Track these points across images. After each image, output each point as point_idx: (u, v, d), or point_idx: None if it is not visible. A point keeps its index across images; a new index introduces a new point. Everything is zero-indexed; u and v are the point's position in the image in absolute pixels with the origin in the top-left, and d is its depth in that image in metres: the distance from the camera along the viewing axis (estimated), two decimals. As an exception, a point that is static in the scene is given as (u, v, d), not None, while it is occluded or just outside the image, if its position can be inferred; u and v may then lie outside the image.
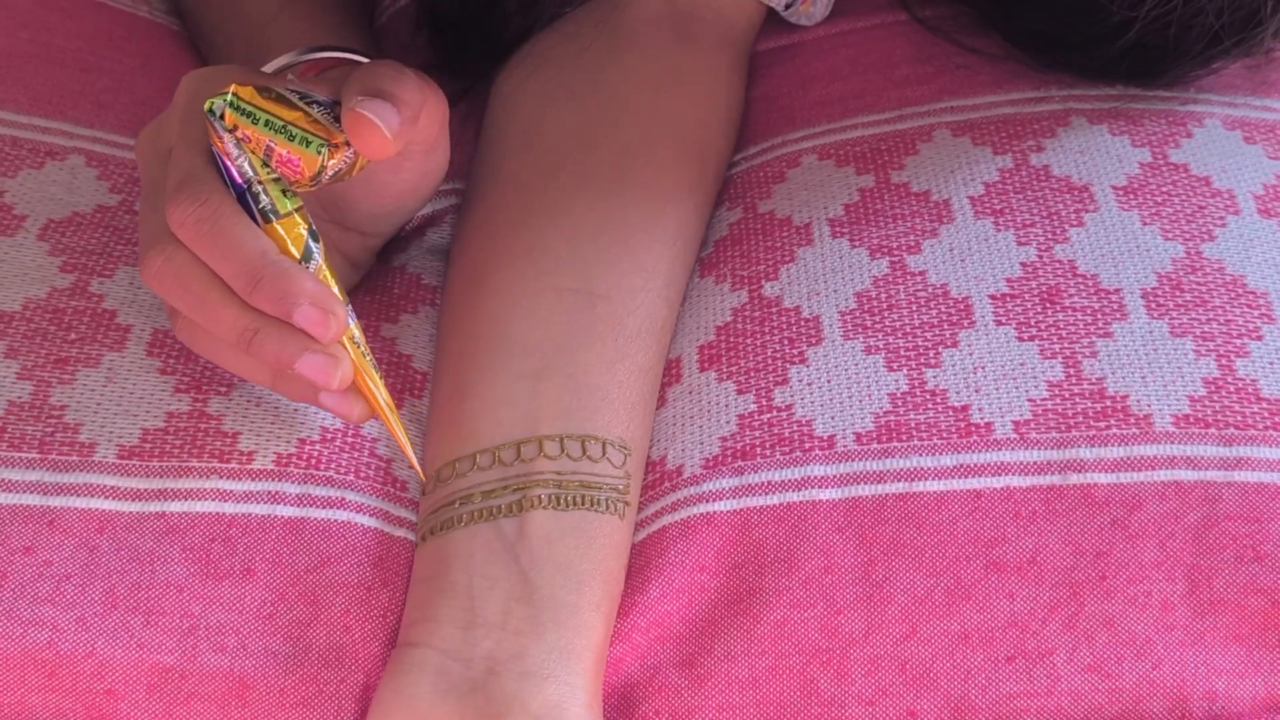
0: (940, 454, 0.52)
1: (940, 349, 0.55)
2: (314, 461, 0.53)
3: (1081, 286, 0.56)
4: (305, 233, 0.49)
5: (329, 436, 0.54)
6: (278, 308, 0.48)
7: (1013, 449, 0.52)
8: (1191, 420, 0.52)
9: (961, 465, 0.52)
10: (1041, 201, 0.59)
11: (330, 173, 0.49)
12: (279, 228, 0.49)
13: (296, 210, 0.49)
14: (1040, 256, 0.57)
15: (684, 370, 0.57)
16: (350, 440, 0.54)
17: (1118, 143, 0.60)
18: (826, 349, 0.55)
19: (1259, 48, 0.60)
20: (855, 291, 0.57)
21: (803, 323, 0.56)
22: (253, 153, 0.48)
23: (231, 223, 0.48)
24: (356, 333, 0.50)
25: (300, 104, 0.49)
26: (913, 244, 0.58)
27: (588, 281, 0.55)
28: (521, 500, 0.51)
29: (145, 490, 0.52)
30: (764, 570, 0.51)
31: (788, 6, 0.66)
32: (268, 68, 0.56)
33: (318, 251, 0.49)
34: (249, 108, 0.48)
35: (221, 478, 0.52)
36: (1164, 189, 0.59)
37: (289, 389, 0.51)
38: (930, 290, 0.56)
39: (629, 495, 0.52)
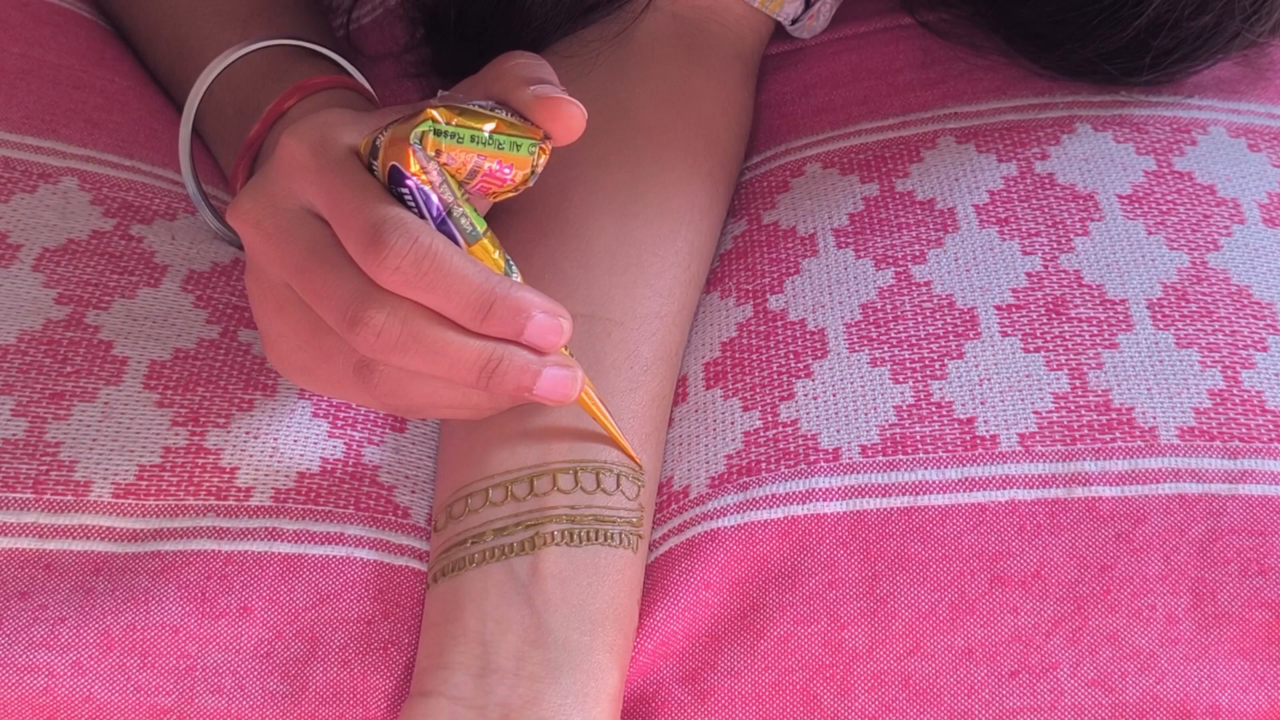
0: (945, 467, 0.52)
1: (946, 361, 0.54)
2: (313, 496, 0.53)
3: (1087, 297, 0.56)
4: (499, 247, 0.47)
5: (329, 468, 0.54)
6: (512, 328, 0.46)
7: (1018, 462, 0.52)
8: (1196, 433, 0.52)
9: (966, 479, 0.52)
10: (1046, 210, 0.58)
11: (539, 173, 0.47)
12: (480, 248, 0.47)
13: (487, 227, 0.47)
14: (1045, 266, 0.57)
15: (690, 389, 0.56)
16: (351, 470, 0.54)
17: (1122, 150, 0.60)
18: (832, 362, 0.55)
19: (1263, 37, 0.60)
20: (860, 303, 0.57)
21: (808, 336, 0.56)
22: (454, 175, 0.46)
23: (449, 255, 0.45)
24: None
25: (486, 110, 0.47)
26: (918, 254, 0.58)
27: (602, 306, 0.55)
28: (534, 537, 0.50)
29: (141, 531, 0.52)
30: (768, 585, 0.51)
31: (794, 21, 0.65)
32: (217, 62, 0.55)
33: (515, 268, 0.48)
34: (450, 129, 0.46)
35: (218, 515, 0.52)
36: (1169, 198, 0.58)
37: (498, 407, 0.49)
38: (935, 301, 0.56)
39: (642, 528, 0.52)
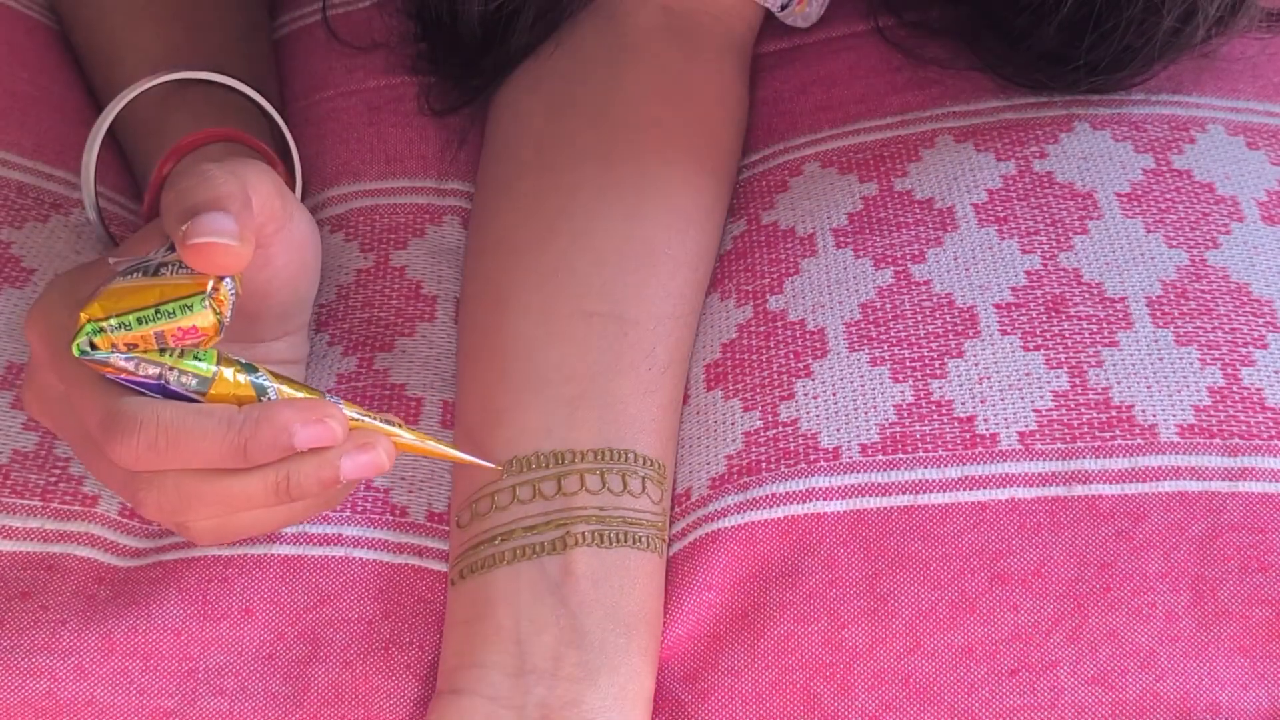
0: (945, 466, 0.52)
1: (946, 359, 0.55)
2: None
3: (1086, 295, 0.56)
4: (241, 374, 0.46)
5: None
6: (282, 451, 0.44)
7: (1018, 460, 0.52)
8: (1196, 430, 0.52)
9: (966, 477, 0.52)
10: (1045, 209, 0.58)
11: (229, 312, 0.46)
12: (218, 389, 0.45)
13: (220, 362, 0.45)
14: (1045, 265, 0.57)
15: (691, 391, 0.57)
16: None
17: (1120, 149, 0.60)
18: (832, 361, 0.55)
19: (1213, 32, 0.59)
20: (860, 302, 0.57)
21: (808, 336, 0.56)
22: (145, 352, 0.44)
23: (181, 422, 0.44)
24: (349, 411, 0.47)
25: (148, 278, 0.45)
26: (917, 253, 0.58)
27: (616, 305, 0.54)
28: (565, 536, 0.50)
29: (144, 549, 0.52)
30: (768, 585, 0.51)
31: (783, 7, 0.65)
32: (126, 94, 0.53)
33: (265, 378, 0.46)
34: (113, 322, 0.44)
35: None
36: (1167, 196, 0.58)
37: (333, 502, 0.49)
38: (935, 300, 0.56)
39: (664, 533, 0.52)
